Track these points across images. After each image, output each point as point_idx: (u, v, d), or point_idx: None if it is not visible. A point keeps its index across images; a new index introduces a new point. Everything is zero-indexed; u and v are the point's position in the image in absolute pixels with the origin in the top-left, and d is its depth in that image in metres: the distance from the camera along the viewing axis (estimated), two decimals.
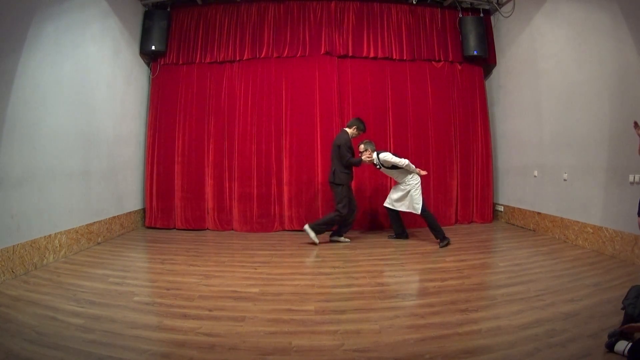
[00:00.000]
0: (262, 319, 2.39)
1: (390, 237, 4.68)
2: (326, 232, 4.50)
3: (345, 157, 4.32)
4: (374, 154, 4.41)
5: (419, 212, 4.27)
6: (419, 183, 4.34)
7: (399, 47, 5.50)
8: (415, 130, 5.49)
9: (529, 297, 2.68)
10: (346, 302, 2.67)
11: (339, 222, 4.44)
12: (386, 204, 4.54)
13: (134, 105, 5.29)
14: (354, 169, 4.52)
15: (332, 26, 5.41)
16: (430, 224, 4.30)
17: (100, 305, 2.56)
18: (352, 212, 4.48)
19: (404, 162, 4.25)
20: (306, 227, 4.34)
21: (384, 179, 5.24)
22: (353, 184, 5.28)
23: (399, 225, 4.60)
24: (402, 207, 4.40)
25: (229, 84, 5.43)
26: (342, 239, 4.50)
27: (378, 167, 4.48)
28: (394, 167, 4.34)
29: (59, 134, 3.73)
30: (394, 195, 4.47)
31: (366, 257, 3.86)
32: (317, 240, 4.30)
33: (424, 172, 4.39)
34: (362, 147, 4.50)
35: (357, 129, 4.48)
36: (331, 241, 4.47)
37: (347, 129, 4.48)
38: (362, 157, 4.40)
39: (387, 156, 4.29)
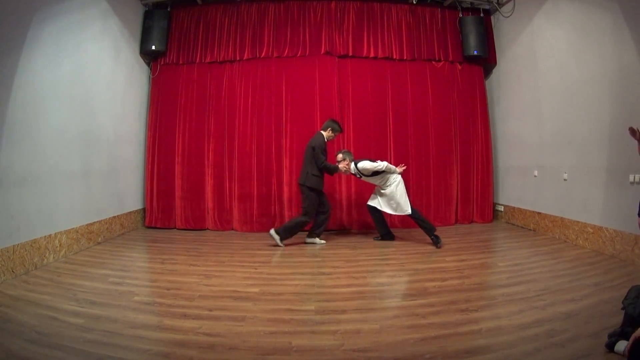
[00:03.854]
0: (262, 318, 2.39)
1: (375, 239, 4.61)
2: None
3: (321, 160, 4.22)
4: (352, 164, 4.36)
5: (409, 212, 4.22)
6: (401, 181, 4.30)
7: (399, 47, 5.50)
8: (416, 130, 5.49)
9: (529, 297, 2.68)
10: (346, 302, 2.67)
11: (303, 227, 4.36)
12: (369, 203, 4.47)
13: (134, 105, 5.29)
14: (325, 176, 4.41)
15: (332, 26, 5.42)
16: (420, 223, 4.26)
17: (100, 305, 2.56)
18: (325, 214, 4.39)
19: (382, 165, 4.19)
20: (271, 231, 4.26)
21: None
22: (355, 183, 5.29)
23: (382, 226, 4.56)
24: (389, 210, 4.33)
25: (229, 83, 5.43)
26: (317, 240, 4.41)
27: (358, 176, 4.44)
28: (375, 173, 4.28)
29: (59, 133, 3.73)
30: (378, 198, 4.40)
31: (366, 257, 3.85)
32: (281, 244, 4.22)
33: (402, 168, 4.37)
34: (339, 156, 4.44)
35: (332, 130, 4.40)
36: (305, 243, 4.40)
37: (322, 132, 4.40)
38: (340, 166, 4.34)
39: (365, 164, 4.23)
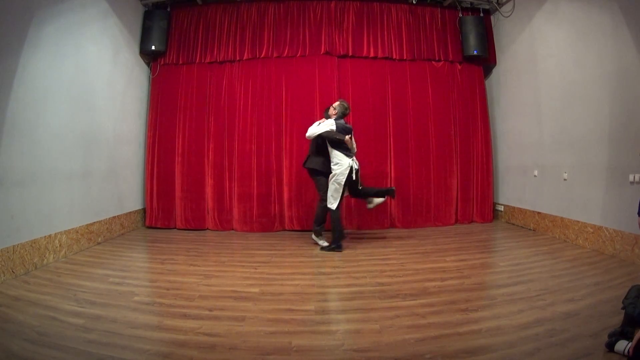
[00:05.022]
0: (262, 318, 2.39)
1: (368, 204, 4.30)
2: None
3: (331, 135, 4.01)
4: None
5: (329, 206, 3.98)
6: (345, 172, 3.93)
7: (399, 47, 5.50)
8: (416, 129, 5.49)
9: (529, 296, 2.68)
10: (346, 302, 2.67)
11: (327, 211, 4.14)
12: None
13: (134, 105, 5.29)
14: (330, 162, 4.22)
15: (332, 26, 5.41)
16: (333, 223, 4.06)
17: (100, 305, 2.56)
18: (324, 201, 4.12)
19: (318, 128, 3.97)
20: (313, 236, 4.26)
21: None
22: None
23: (370, 193, 4.28)
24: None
25: (229, 83, 5.43)
26: (325, 243, 4.15)
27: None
28: (330, 142, 3.97)
29: (59, 134, 3.73)
30: None
31: (366, 257, 3.85)
32: (326, 243, 4.16)
33: (347, 137, 3.93)
34: (336, 103, 4.21)
35: (328, 111, 4.26)
36: (321, 249, 4.17)
37: (328, 119, 4.21)
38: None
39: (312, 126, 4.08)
